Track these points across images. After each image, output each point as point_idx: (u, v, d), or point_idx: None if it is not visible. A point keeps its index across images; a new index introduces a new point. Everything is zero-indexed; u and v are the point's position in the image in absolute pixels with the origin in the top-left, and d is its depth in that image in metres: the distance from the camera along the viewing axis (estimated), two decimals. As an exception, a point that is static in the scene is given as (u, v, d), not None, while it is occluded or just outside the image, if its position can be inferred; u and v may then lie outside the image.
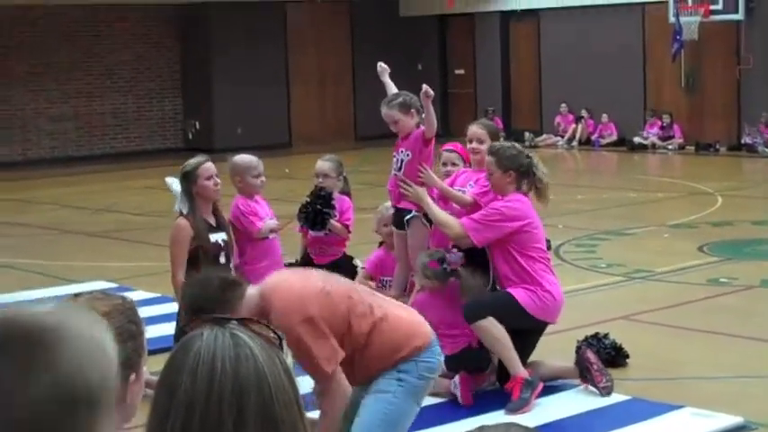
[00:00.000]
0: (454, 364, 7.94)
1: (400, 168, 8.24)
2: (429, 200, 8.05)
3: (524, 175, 7.96)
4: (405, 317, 6.06)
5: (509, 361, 7.83)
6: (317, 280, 5.86)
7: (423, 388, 6.00)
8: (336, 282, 5.94)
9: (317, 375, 5.65)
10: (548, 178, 8.13)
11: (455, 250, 7.99)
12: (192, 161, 7.88)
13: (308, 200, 8.79)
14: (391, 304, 6.15)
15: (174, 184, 7.77)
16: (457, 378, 7.94)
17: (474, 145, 8.54)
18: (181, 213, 7.77)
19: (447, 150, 8.88)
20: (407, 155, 8.22)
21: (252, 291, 5.55)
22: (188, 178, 7.76)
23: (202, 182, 7.77)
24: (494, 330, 7.77)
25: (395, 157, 8.36)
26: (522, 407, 7.70)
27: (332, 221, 8.77)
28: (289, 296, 5.67)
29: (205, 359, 1.86)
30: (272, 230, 8.45)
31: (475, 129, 8.68)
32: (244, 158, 8.53)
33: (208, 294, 5.38)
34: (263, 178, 8.52)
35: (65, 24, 26.81)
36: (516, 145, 8.29)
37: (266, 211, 8.53)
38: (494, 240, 7.87)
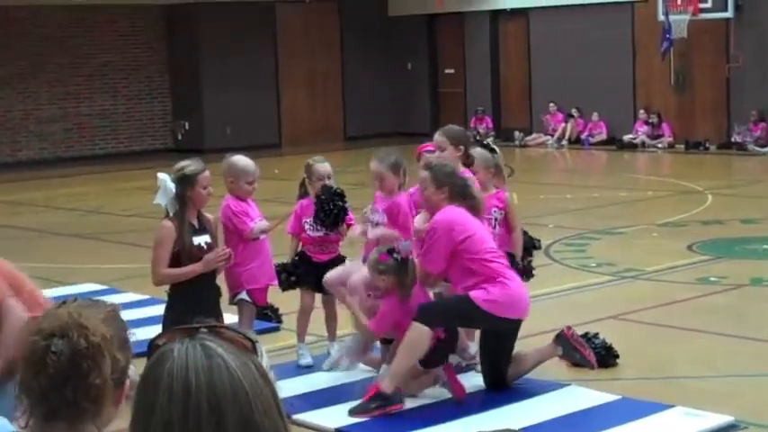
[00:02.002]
0: (429, 360, 7.92)
1: (377, 224, 8.26)
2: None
3: (458, 194, 7.88)
4: None
5: (395, 372, 7.70)
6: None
7: None
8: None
9: None
10: (481, 196, 8.09)
11: (403, 241, 8.03)
12: (193, 167, 7.76)
13: (324, 199, 8.71)
14: None
15: (168, 181, 7.67)
16: (441, 372, 7.95)
17: (437, 153, 8.65)
18: (166, 213, 7.72)
19: (428, 152, 8.91)
20: (383, 218, 8.18)
21: None
22: (185, 182, 7.65)
23: (199, 189, 7.71)
24: (419, 342, 7.63)
25: (371, 215, 8.30)
26: (362, 412, 7.59)
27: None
28: None
29: (178, 375, 1.84)
30: (262, 231, 8.44)
31: (435, 137, 8.77)
32: (243, 162, 8.49)
33: None
34: (256, 185, 8.52)
35: (53, 26, 26.77)
36: (452, 165, 8.18)
37: (256, 213, 8.53)
38: (449, 257, 7.79)
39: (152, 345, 1.95)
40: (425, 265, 7.87)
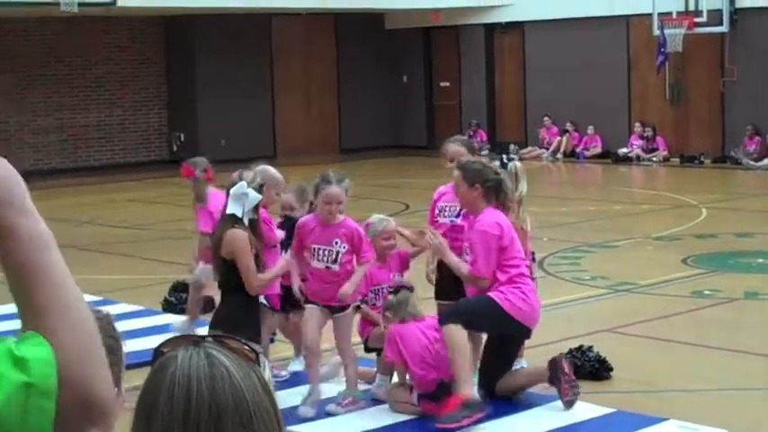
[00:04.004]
0: (430, 399, 7.91)
1: (335, 261, 7.94)
2: (449, 252, 8.09)
3: (491, 191, 7.91)
4: None
5: (462, 375, 7.72)
6: None
7: None
8: None
9: None
10: (515, 194, 8.10)
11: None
12: (261, 177, 7.84)
13: None
14: None
15: (253, 191, 7.62)
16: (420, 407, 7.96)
17: (449, 165, 8.59)
18: (230, 222, 7.61)
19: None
20: (344, 247, 7.94)
21: None
22: (261, 192, 7.70)
23: (266, 199, 7.80)
24: (461, 340, 7.71)
25: (324, 248, 7.96)
26: (449, 423, 7.56)
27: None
28: None
29: (181, 382, 1.84)
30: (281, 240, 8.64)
31: (456, 147, 8.71)
32: (277, 174, 8.67)
33: None
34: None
35: (49, 37, 26.77)
36: (483, 161, 8.21)
37: None
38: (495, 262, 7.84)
39: (157, 351, 1.95)
40: (477, 272, 7.85)
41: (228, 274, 7.64)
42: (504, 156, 9.22)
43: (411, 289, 8.10)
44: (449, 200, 8.62)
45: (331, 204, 7.81)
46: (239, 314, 7.48)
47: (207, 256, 9.05)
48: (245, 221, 7.59)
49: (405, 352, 7.86)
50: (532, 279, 8.22)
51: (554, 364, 8.01)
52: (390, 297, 8.07)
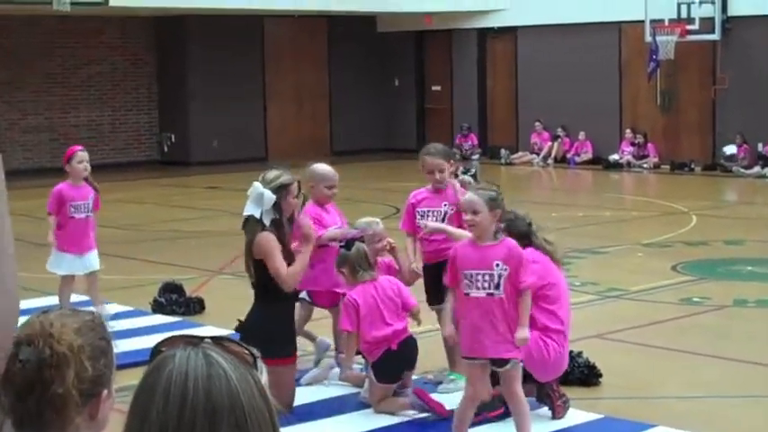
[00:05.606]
0: (382, 371, 7.97)
1: (497, 286, 7.01)
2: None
3: (516, 239, 7.59)
4: None
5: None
6: None
7: None
8: None
9: None
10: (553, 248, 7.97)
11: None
12: (287, 176, 7.80)
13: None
14: None
15: (268, 192, 7.63)
16: (414, 397, 7.93)
17: (437, 176, 8.57)
18: (262, 225, 7.63)
19: None
20: (506, 270, 7.11)
21: None
22: (281, 192, 7.69)
23: (291, 199, 7.80)
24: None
25: (484, 273, 7.01)
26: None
27: None
28: None
29: (177, 380, 1.84)
30: (331, 239, 8.64)
31: (432, 160, 8.64)
32: (321, 168, 9.00)
33: None
34: (336, 190, 9.03)
35: (40, 35, 26.73)
36: (518, 213, 7.95)
37: (334, 220, 8.86)
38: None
39: (155, 350, 1.95)
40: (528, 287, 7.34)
41: (259, 273, 7.66)
42: (461, 168, 9.34)
43: (362, 240, 8.31)
44: (430, 205, 8.65)
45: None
46: (271, 319, 7.58)
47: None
48: (267, 222, 7.60)
49: (360, 320, 7.99)
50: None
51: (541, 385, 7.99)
52: (344, 252, 8.20)
